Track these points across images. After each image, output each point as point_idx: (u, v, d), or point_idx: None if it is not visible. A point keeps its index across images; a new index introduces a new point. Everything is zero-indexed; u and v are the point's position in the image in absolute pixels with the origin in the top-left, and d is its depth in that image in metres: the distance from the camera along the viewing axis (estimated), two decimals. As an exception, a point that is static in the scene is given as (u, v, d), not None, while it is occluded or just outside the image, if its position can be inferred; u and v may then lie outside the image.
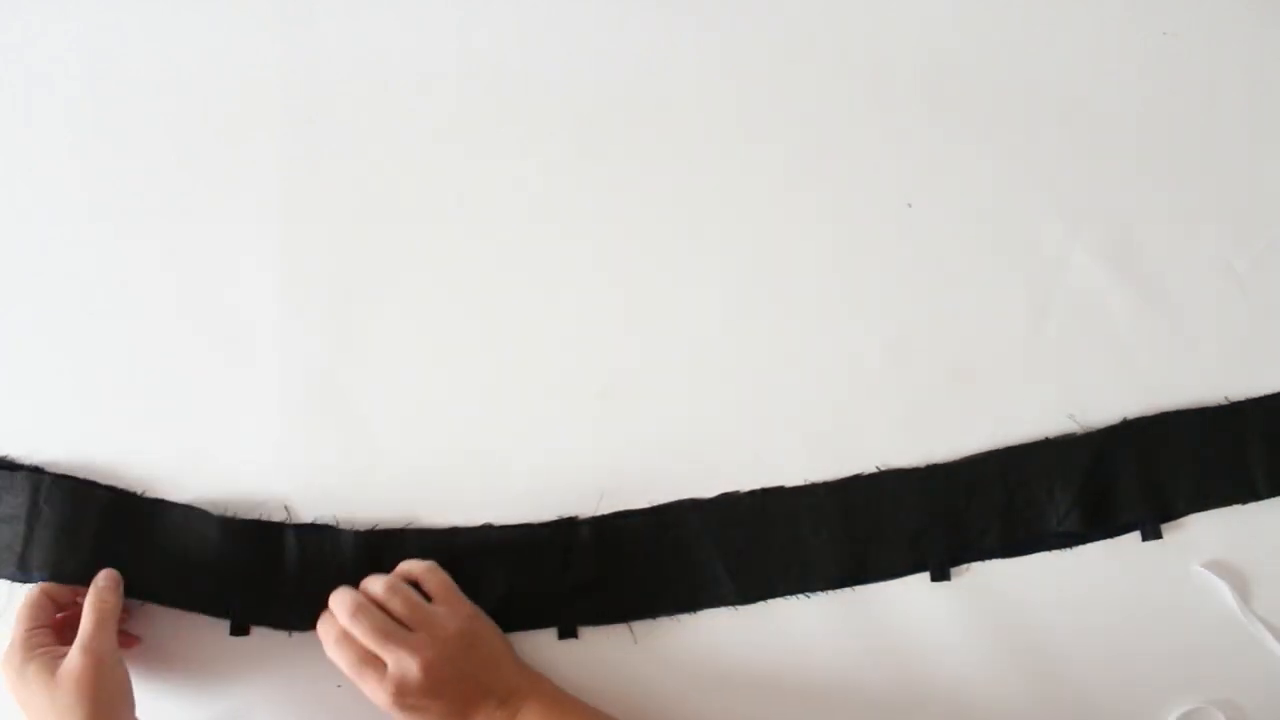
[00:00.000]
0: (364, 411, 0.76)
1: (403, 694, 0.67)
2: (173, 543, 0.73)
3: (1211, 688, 0.75)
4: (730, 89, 0.81)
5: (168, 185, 0.78)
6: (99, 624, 0.68)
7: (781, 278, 0.79)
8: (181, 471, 0.75)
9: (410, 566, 0.72)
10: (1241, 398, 0.78)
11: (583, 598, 0.75)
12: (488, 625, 0.72)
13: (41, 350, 0.76)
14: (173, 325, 0.77)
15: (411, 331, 0.77)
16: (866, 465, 0.77)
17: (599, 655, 0.75)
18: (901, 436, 0.77)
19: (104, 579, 0.70)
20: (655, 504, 0.76)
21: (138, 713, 0.68)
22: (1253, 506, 0.77)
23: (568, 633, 0.75)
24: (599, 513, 0.76)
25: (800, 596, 0.75)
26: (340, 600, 0.70)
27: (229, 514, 0.74)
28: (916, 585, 0.76)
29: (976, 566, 0.76)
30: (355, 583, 0.71)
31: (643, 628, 0.75)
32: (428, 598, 0.71)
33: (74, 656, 0.67)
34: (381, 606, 0.69)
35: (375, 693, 0.67)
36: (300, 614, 0.72)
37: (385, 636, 0.68)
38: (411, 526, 0.75)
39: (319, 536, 0.74)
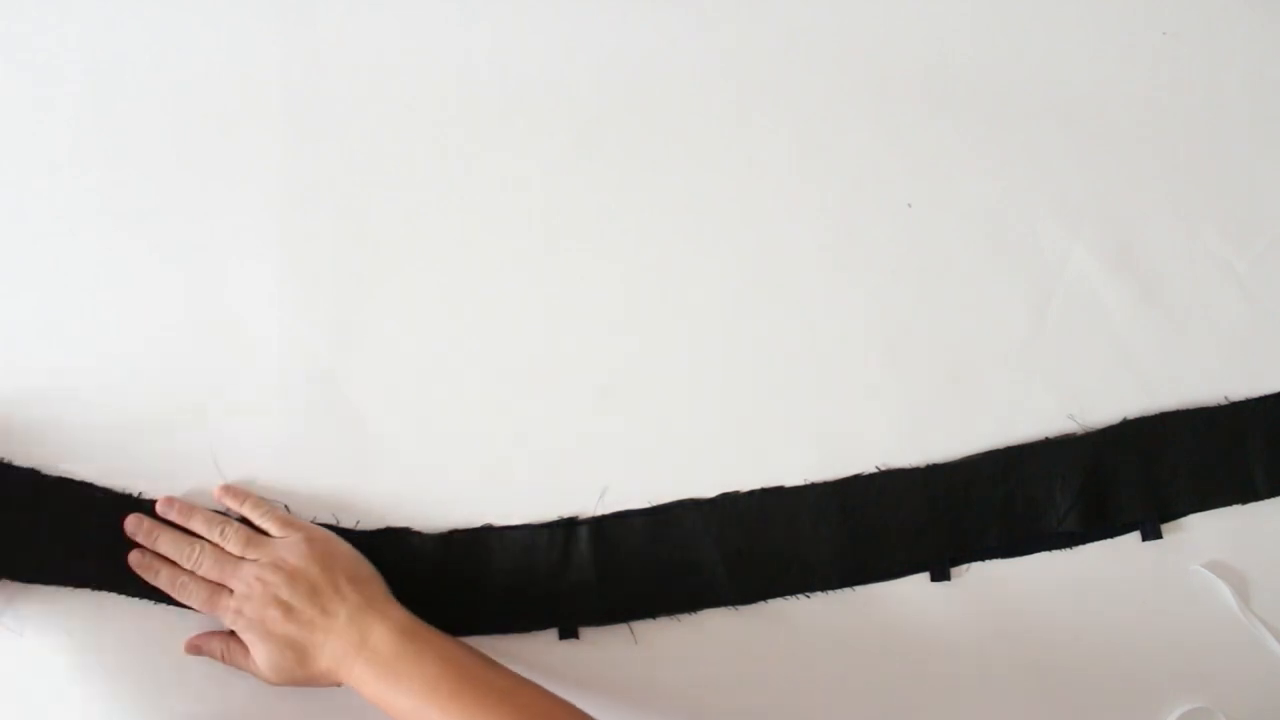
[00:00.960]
0: (364, 411, 0.76)
1: (254, 609, 0.69)
2: (173, 543, 0.73)
3: (1211, 688, 0.75)
4: (730, 89, 0.80)
5: (168, 185, 0.78)
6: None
7: (782, 277, 0.79)
8: (181, 472, 0.75)
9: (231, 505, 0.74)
10: (1241, 398, 0.78)
11: (583, 598, 0.75)
12: (338, 548, 0.72)
13: (41, 350, 0.76)
14: (173, 325, 0.77)
15: (411, 331, 0.77)
16: (866, 465, 0.77)
17: (599, 655, 0.75)
18: (901, 436, 0.77)
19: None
20: (655, 504, 0.76)
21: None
22: (1253, 506, 0.77)
23: (568, 633, 0.75)
24: (599, 513, 0.76)
25: (800, 596, 0.75)
26: (173, 544, 0.72)
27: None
28: (916, 585, 0.76)
29: (976, 566, 0.76)
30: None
31: (643, 628, 0.75)
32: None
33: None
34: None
35: (228, 616, 0.70)
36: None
37: (226, 563, 0.71)
38: (411, 527, 0.75)
39: (319, 536, 0.74)
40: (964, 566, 0.76)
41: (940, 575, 0.76)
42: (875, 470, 0.76)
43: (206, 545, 0.72)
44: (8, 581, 0.73)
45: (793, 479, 0.76)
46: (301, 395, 0.76)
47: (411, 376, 0.77)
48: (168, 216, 0.78)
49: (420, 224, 0.78)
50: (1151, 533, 0.76)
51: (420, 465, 0.76)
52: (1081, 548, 0.76)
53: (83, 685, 0.73)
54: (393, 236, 0.78)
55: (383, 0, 0.80)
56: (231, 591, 0.70)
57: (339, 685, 0.69)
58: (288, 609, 0.68)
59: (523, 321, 0.78)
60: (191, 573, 0.72)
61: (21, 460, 0.74)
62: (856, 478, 0.76)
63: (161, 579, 0.72)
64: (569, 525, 0.75)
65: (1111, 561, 0.76)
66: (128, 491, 0.74)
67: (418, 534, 0.75)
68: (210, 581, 0.71)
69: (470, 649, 0.70)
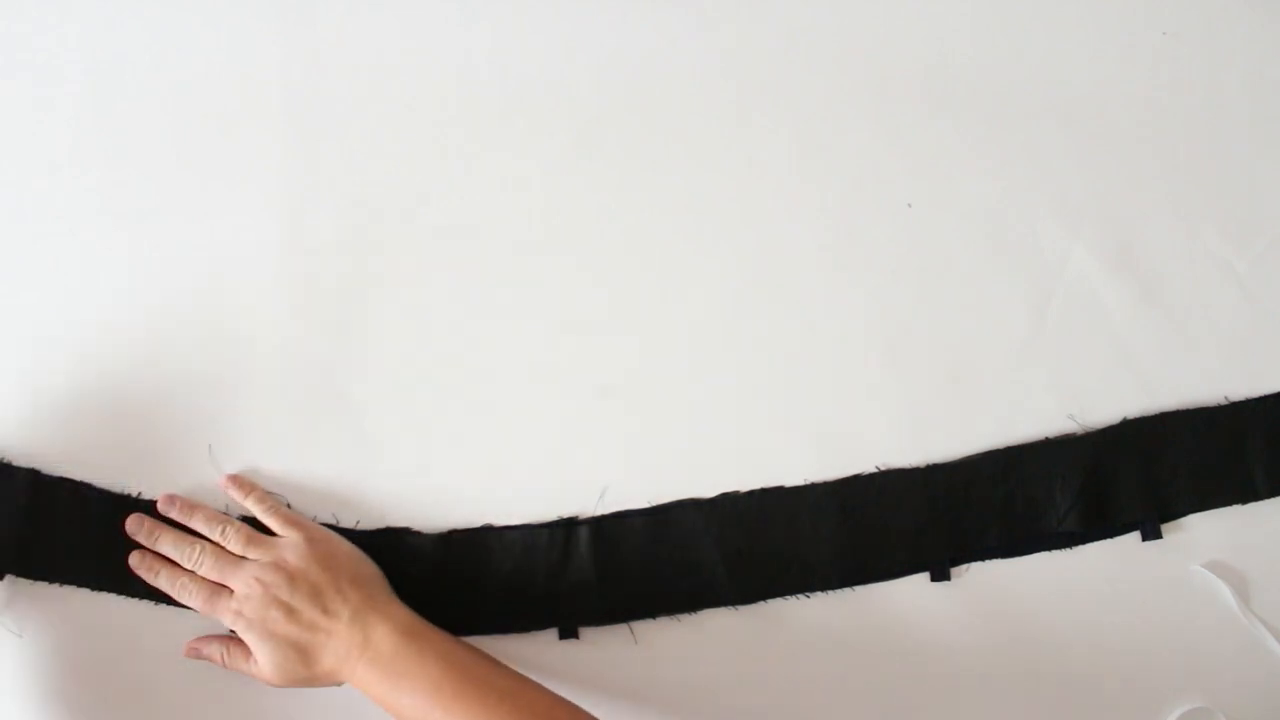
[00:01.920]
0: (364, 411, 0.76)
1: (255, 609, 0.69)
2: (172, 543, 0.73)
3: (1211, 688, 0.75)
4: (730, 89, 0.80)
5: (168, 185, 0.78)
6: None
7: (782, 277, 0.79)
8: (181, 472, 0.75)
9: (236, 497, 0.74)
10: (1241, 398, 0.78)
11: (583, 598, 0.75)
12: (340, 547, 0.72)
13: (41, 350, 0.76)
14: (173, 325, 0.77)
15: (412, 331, 0.77)
16: (866, 465, 0.77)
17: (599, 655, 0.75)
18: (901, 436, 0.77)
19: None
20: (655, 504, 0.76)
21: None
22: (1253, 506, 0.77)
23: (568, 633, 0.75)
24: (599, 513, 0.76)
25: (800, 596, 0.75)
26: (174, 544, 0.72)
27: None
28: (916, 585, 0.76)
29: (976, 566, 0.76)
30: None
31: (643, 628, 0.75)
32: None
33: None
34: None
35: (228, 617, 0.70)
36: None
37: (227, 564, 0.71)
38: (411, 526, 0.75)
39: (319, 536, 0.74)
40: (964, 566, 0.76)
41: (940, 575, 0.76)
42: (875, 470, 0.76)
43: (207, 545, 0.72)
44: (8, 581, 0.73)
45: (793, 479, 0.76)
46: (301, 395, 0.76)
47: (411, 376, 0.77)
48: (168, 216, 0.78)
49: (420, 224, 0.78)
50: (1151, 533, 0.76)
51: (420, 465, 0.76)
52: (1081, 548, 0.76)
53: (83, 685, 0.73)
54: (393, 236, 0.78)
55: (383, 0, 0.80)
56: (232, 592, 0.70)
57: (340, 685, 0.69)
58: (289, 610, 0.68)
59: (523, 321, 0.78)
60: (192, 573, 0.71)
61: (22, 460, 0.74)
62: (856, 478, 0.76)
63: (162, 579, 0.72)
64: (569, 525, 0.75)
65: (1111, 561, 0.76)
66: (127, 491, 0.74)
67: (417, 534, 0.75)
68: (211, 582, 0.71)
69: (473, 648, 0.70)
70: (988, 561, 0.76)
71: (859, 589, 0.76)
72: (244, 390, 0.76)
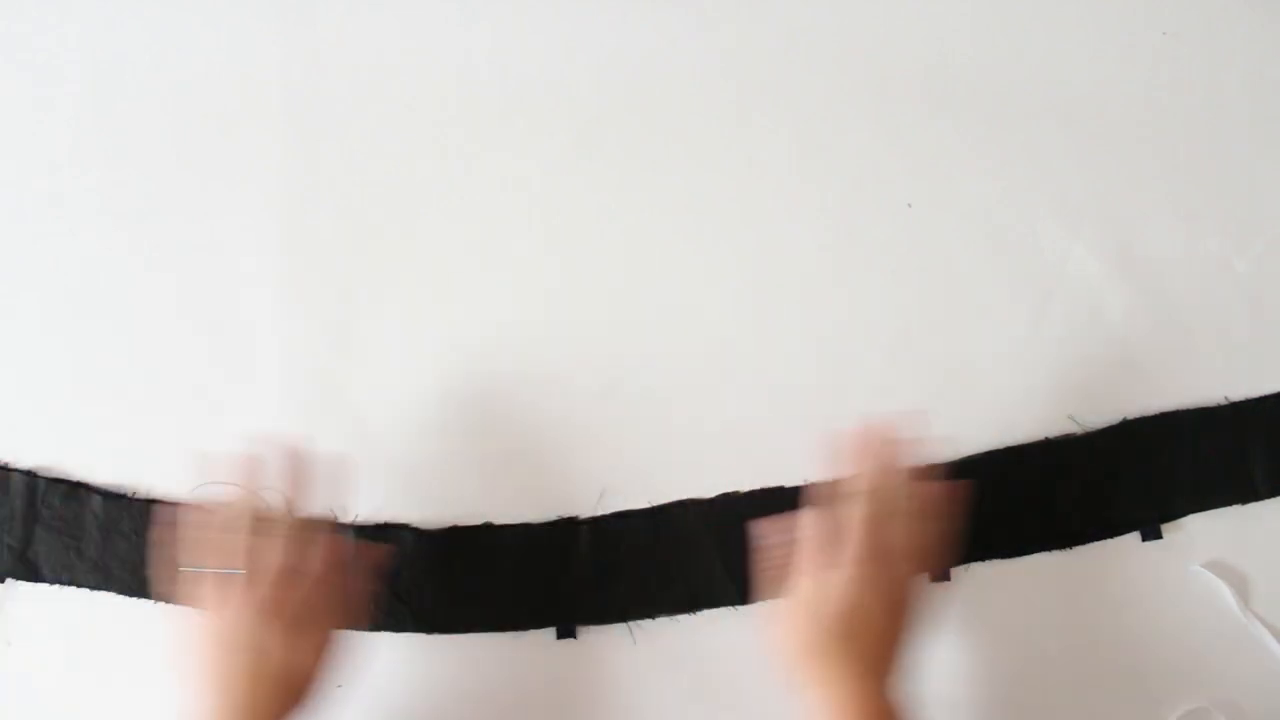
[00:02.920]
0: (364, 411, 0.76)
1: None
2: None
3: (1211, 688, 0.75)
4: (730, 89, 0.81)
5: (168, 185, 0.78)
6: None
7: (781, 277, 0.79)
8: (180, 472, 0.75)
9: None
10: (1242, 398, 0.78)
11: (583, 598, 0.75)
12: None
13: (41, 350, 0.76)
14: (173, 325, 0.77)
15: (411, 331, 0.77)
16: (866, 465, 0.77)
17: (599, 655, 0.75)
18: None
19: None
20: (655, 504, 0.76)
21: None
22: (1253, 506, 0.77)
23: (567, 633, 0.75)
24: (599, 513, 0.76)
25: (800, 596, 0.75)
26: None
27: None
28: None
29: (976, 566, 0.76)
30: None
31: (643, 628, 0.75)
32: None
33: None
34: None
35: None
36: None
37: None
38: (411, 524, 0.75)
39: (319, 536, 0.74)
40: (964, 566, 0.76)
41: (941, 575, 0.76)
42: (875, 470, 0.76)
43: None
44: (6, 582, 0.73)
45: (793, 479, 0.76)
46: (301, 395, 0.76)
47: (411, 375, 0.77)
48: (168, 216, 0.78)
49: (420, 223, 0.78)
50: (1151, 533, 0.76)
51: (420, 464, 0.76)
52: (1081, 548, 0.76)
53: (82, 685, 0.73)
54: (393, 236, 0.78)
55: (383, 0, 0.80)
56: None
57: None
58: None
59: (523, 321, 0.78)
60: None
61: (21, 461, 0.74)
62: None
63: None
64: (569, 525, 0.75)
65: (1111, 561, 0.76)
66: (126, 492, 0.74)
67: (418, 531, 0.75)
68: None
69: None
70: (988, 561, 0.76)
71: (859, 589, 0.76)
72: (244, 390, 0.76)
